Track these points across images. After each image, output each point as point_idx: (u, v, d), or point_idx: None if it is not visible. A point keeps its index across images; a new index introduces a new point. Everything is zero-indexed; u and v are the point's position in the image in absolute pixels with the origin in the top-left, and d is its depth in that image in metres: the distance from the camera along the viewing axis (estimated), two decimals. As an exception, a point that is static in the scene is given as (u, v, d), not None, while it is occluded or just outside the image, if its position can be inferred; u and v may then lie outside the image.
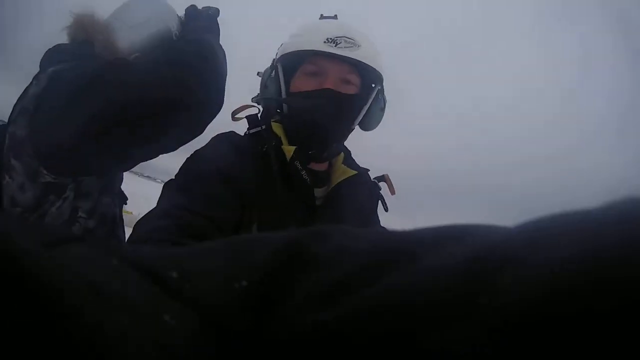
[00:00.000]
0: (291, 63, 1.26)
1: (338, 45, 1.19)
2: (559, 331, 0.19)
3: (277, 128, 1.27)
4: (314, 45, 1.20)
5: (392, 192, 1.41)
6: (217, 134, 1.28)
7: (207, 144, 1.24)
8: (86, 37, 1.50)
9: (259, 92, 1.35)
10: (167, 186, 1.15)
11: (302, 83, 1.24)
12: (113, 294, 0.23)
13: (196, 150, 1.23)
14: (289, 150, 1.21)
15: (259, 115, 1.34)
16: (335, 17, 1.34)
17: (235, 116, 1.35)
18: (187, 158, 1.21)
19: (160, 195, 1.14)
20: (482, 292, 0.21)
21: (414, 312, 0.23)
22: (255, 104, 1.35)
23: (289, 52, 1.24)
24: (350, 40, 1.20)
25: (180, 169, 1.18)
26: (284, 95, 1.26)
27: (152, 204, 1.13)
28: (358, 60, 1.20)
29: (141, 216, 1.08)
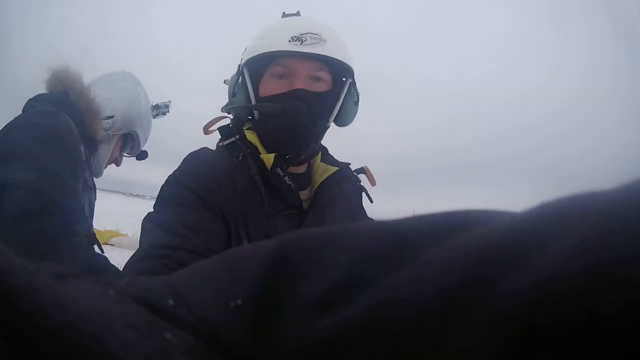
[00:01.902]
0: (257, 67, 1.23)
1: (304, 43, 1.16)
2: (560, 339, 0.18)
3: (251, 136, 1.25)
4: (279, 46, 1.17)
5: (373, 183, 1.41)
6: (189, 154, 1.24)
7: (180, 167, 1.20)
8: (63, 87, 1.75)
9: (227, 101, 1.31)
10: (147, 220, 1.12)
11: (271, 86, 1.20)
12: (116, 318, 0.24)
13: (170, 176, 1.18)
14: (268, 158, 1.19)
15: (230, 125, 1.32)
16: (297, 13, 1.30)
17: (209, 129, 1.34)
18: (162, 185, 1.18)
19: (142, 233, 1.11)
20: (479, 301, 0.20)
21: (413, 319, 0.22)
22: (226, 114, 1.33)
23: (254, 56, 1.20)
24: (316, 35, 1.17)
25: (157, 197, 1.16)
26: (253, 101, 1.23)
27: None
28: (326, 56, 1.17)
29: (136, 236, 1.08)
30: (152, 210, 1.13)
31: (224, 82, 1.32)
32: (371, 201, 1.43)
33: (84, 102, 1.76)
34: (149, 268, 0.98)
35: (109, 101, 1.85)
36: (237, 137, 1.25)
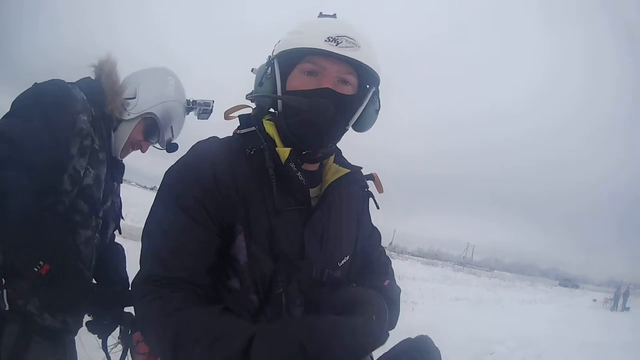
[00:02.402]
0: (288, 60, 1.24)
1: (339, 45, 1.17)
2: None
3: (270, 128, 1.27)
4: (315, 43, 1.18)
5: (380, 190, 1.41)
6: (195, 146, 1.25)
7: (185, 162, 1.22)
8: (99, 71, 1.91)
9: (252, 89, 1.31)
10: (146, 236, 1.18)
11: (300, 81, 1.22)
12: None
13: (174, 173, 1.21)
14: (284, 152, 1.20)
15: (251, 114, 1.33)
16: (334, 15, 1.31)
17: (230, 115, 1.34)
18: (164, 182, 1.21)
19: (142, 249, 1.17)
20: None
21: None
22: (249, 103, 1.34)
23: (288, 49, 1.22)
24: (351, 40, 1.18)
25: (157, 200, 1.20)
26: (280, 93, 1.24)
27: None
28: (358, 61, 1.19)
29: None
30: (151, 218, 1.19)
31: (252, 71, 1.33)
32: (377, 207, 1.45)
33: (109, 82, 1.88)
34: (149, 292, 1.08)
35: (136, 85, 1.96)
36: (256, 127, 1.27)
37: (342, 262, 1.31)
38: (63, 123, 1.67)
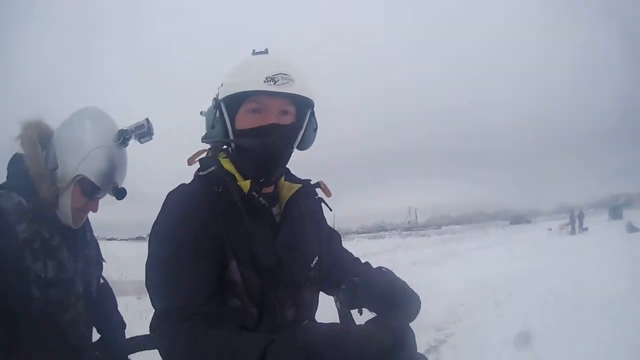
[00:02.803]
0: (234, 102, 1.39)
1: (277, 83, 1.34)
2: None
3: (227, 165, 1.45)
4: (256, 86, 1.34)
5: (328, 194, 1.59)
6: (171, 196, 1.39)
7: (172, 209, 1.36)
8: (25, 151, 1.85)
9: (205, 131, 1.48)
10: (154, 279, 1.30)
11: (247, 120, 1.39)
12: None
13: (166, 221, 1.35)
14: (245, 185, 1.39)
15: (207, 155, 1.50)
16: (266, 51, 1.48)
17: (193, 160, 1.48)
18: (157, 231, 1.35)
19: (152, 292, 1.30)
20: None
21: None
22: (206, 145, 1.51)
23: (235, 93, 1.37)
24: (286, 76, 1.35)
25: (155, 247, 1.33)
26: (231, 133, 1.41)
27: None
28: (295, 95, 1.37)
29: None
30: (152, 264, 1.32)
31: (201, 114, 1.50)
32: (330, 209, 1.66)
33: (32, 161, 1.83)
34: (170, 329, 1.21)
35: (54, 150, 1.87)
36: (215, 167, 1.42)
37: (314, 262, 1.53)
38: (5, 246, 1.66)
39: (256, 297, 1.36)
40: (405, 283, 1.50)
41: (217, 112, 1.42)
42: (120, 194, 2.00)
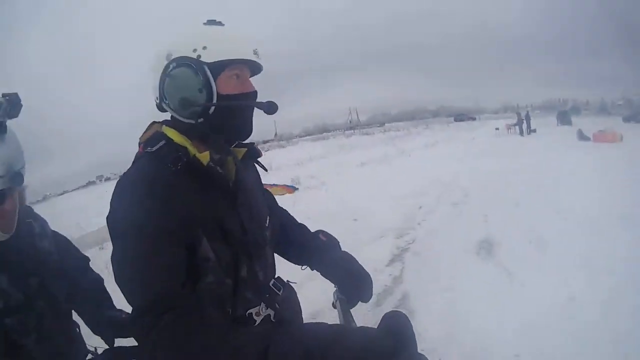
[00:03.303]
0: (216, 68, 1.41)
1: (258, 55, 1.48)
2: None
3: (176, 137, 1.43)
4: (248, 55, 1.45)
5: (265, 170, 1.68)
6: (124, 183, 1.33)
7: (129, 197, 1.30)
8: None
9: (164, 96, 1.45)
10: (123, 275, 1.26)
11: (231, 86, 1.43)
12: None
13: (124, 210, 1.29)
14: (204, 157, 1.39)
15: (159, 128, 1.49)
16: (221, 23, 1.51)
17: (145, 139, 1.45)
18: (117, 220, 1.29)
19: (124, 288, 1.24)
20: None
21: None
22: (156, 119, 1.52)
23: (224, 60, 1.41)
24: (258, 51, 1.49)
25: (119, 240, 1.28)
26: (214, 98, 1.41)
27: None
28: (262, 67, 1.55)
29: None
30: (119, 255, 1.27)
31: (165, 73, 1.44)
32: (266, 170, 1.69)
33: None
34: (152, 324, 1.16)
35: None
36: (164, 140, 1.41)
37: (267, 222, 1.59)
38: None
39: (230, 268, 1.38)
40: (359, 266, 1.67)
41: (202, 76, 1.40)
42: (15, 181, 1.70)
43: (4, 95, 1.69)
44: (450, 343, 3.10)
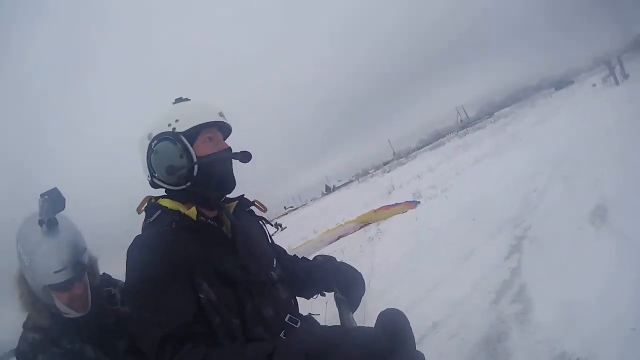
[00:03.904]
0: (191, 135, 1.65)
1: (223, 117, 1.74)
2: None
3: (169, 204, 1.66)
4: (215, 117, 1.69)
5: (264, 210, 1.87)
6: (132, 250, 1.56)
7: (142, 251, 1.54)
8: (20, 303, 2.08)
9: (153, 172, 1.69)
10: (140, 313, 1.46)
11: (207, 147, 1.67)
12: None
13: (140, 261, 1.52)
14: (192, 212, 1.59)
15: (152, 202, 1.71)
16: (188, 99, 1.76)
17: (141, 209, 1.70)
18: (134, 268, 1.52)
19: (139, 327, 1.46)
20: None
21: None
22: (151, 193, 1.74)
23: (196, 125, 1.65)
24: (223, 113, 1.74)
25: (135, 284, 1.51)
26: (194, 158, 1.64)
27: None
28: (230, 126, 1.78)
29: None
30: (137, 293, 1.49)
31: (150, 153, 1.69)
32: (272, 225, 1.97)
33: (28, 310, 2.06)
34: (170, 352, 1.35)
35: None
36: (160, 210, 1.65)
37: (274, 263, 1.79)
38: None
39: (234, 307, 1.51)
40: (349, 267, 1.92)
41: (180, 144, 1.62)
42: (77, 270, 2.02)
43: (42, 195, 1.97)
44: (569, 328, 2.94)
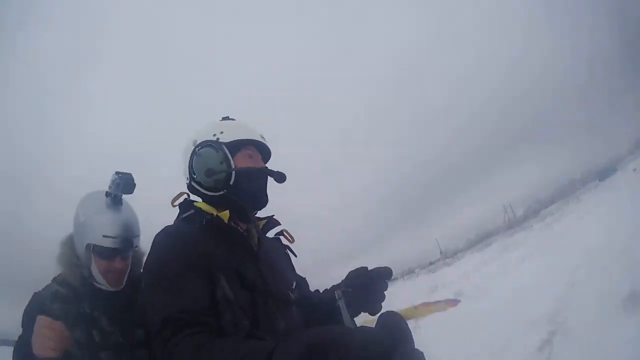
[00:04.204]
0: (233, 147, 1.76)
1: (264, 139, 1.85)
2: None
3: (205, 207, 1.74)
4: (256, 137, 1.81)
5: (291, 240, 1.93)
6: (159, 235, 1.63)
7: (168, 240, 1.60)
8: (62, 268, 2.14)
9: (192, 173, 1.79)
10: (154, 292, 1.49)
11: (246, 162, 1.77)
12: None
13: (165, 247, 1.58)
14: (224, 215, 1.66)
15: (187, 201, 1.80)
16: (233, 119, 1.90)
17: (174, 203, 1.80)
18: (159, 256, 1.57)
19: (151, 304, 1.48)
20: None
21: None
22: (184, 190, 1.84)
23: (239, 139, 1.77)
24: (263, 136, 1.85)
25: (155, 266, 1.56)
26: (233, 166, 1.73)
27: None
28: (269, 149, 1.88)
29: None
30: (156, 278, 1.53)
31: (195, 151, 1.80)
32: (295, 255, 1.96)
33: (63, 264, 2.12)
34: (172, 334, 1.35)
35: (75, 243, 2.14)
36: (193, 210, 1.74)
37: (294, 286, 1.79)
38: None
39: (248, 310, 1.52)
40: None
41: (221, 152, 1.74)
42: (124, 244, 2.09)
43: (117, 172, 2.10)
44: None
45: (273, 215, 1.89)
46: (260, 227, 1.82)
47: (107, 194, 2.12)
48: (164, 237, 1.62)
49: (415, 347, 1.41)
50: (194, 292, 1.44)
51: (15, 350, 1.92)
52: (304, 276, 1.99)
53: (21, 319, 1.99)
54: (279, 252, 1.90)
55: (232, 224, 1.70)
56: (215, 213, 1.69)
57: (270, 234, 1.93)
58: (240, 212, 1.73)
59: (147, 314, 1.48)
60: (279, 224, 1.89)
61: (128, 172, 2.13)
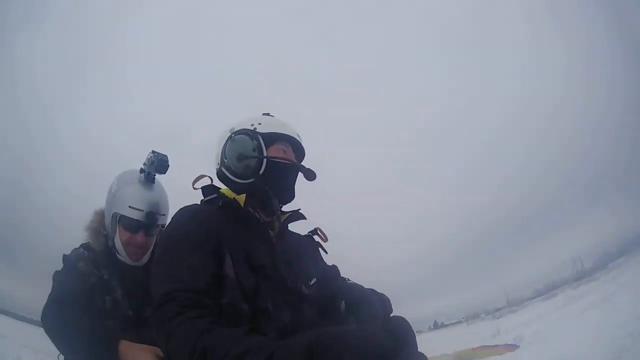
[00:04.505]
0: (268, 139, 1.80)
1: (300, 138, 1.86)
2: None
3: (228, 192, 1.78)
4: (292, 133, 1.85)
5: (325, 240, 1.95)
6: (179, 211, 1.71)
7: (183, 217, 1.67)
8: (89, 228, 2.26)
9: (224, 157, 1.82)
10: (161, 264, 1.54)
11: (278, 154, 1.79)
12: None
13: (178, 224, 1.65)
14: (240, 198, 1.71)
15: (211, 185, 1.82)
16: (271, 115, 1.94)
17: (194, 185, 1.82)
18: (172, 232, 1.63)
19: (156, 276, 1.52)
20: None
21: None
22: (206, 173, 1.85)
23: (274, 132, 1.82)
24: (299, 136, 1.87)
25: (167, 241, 1.61)
26: (265, 160, 1.77)
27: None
28: (303, 148, 1.90)
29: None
30: (170, 249, 1.56)
31: (230, 138, 1.83)
32: (326, 252, 1.98)
33: (90, 231, 2.27)
34: (175, 313, 1.35)
35: (105, 213, 2.28)
36: (216, 194, 1.77)
37: (312, 282, 1.75)
38: (72, 278, 2.09)
39: (250, 294, 1.49)
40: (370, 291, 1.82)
41: (256, 140, 1.77)
42: (149, 219, 2.18)
43: (153, 151, 2.19)
44: None
45: (299, 209, 1.88)
46: (283, 219, 1.81)
47: (142, 170, 2.24)
48: (180, 215, 1.67)
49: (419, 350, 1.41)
50: (197, 268, 1.45)
51: (46, 306, 2.02)
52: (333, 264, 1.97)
53: (52, 280, 2.12)
54: (304, 247, 1.89)
55: (250, 209, 1.72)
56: (233, 197, 1.71)
57: (301, 230, 1.98)
58: (266, 201, 1.75)
59: (151, 285, 1.51)
60: (304, 218, 1.89)
61: (163, 154, 2.22)
